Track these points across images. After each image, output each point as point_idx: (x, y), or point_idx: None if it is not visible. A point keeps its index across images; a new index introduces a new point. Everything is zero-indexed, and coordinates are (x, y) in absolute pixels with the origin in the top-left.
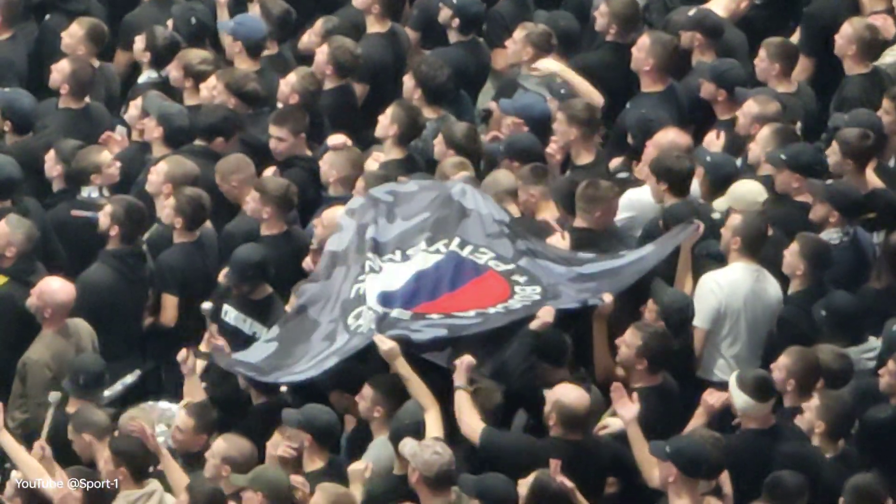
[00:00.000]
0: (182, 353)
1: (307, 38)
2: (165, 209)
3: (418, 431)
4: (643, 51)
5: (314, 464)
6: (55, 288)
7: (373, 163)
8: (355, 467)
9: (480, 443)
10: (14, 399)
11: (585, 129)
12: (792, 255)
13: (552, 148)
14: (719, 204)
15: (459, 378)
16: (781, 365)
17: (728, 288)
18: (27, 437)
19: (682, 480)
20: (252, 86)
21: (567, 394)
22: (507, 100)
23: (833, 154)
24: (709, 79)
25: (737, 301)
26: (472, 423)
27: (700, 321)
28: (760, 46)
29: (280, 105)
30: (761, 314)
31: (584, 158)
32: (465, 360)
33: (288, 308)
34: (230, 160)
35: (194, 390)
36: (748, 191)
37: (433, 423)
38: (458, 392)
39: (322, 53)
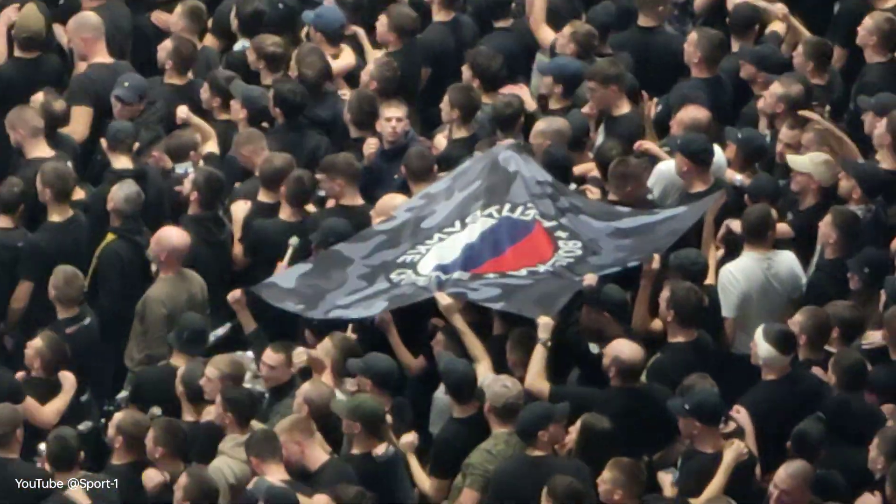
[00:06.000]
0: (236, 292)
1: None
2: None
3: (468, 375)
4: (692, 45)
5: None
6: (170, 234)
7: (441, 140)
8: (406, 440)
9: (550, 398)
10: (134, 338)
11: (619, 84)
12: (826, 226)
13: (589, 107)
14: (796, 162)
15: (543, 333)
16: (796, 321)
17: (742, 276)
18: (145, 372)
19: (705, 431)
20: None
21: (623, 349)
22: (544, 60)
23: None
24: (749, 61)
25: (752, 289)
26: (540, 381)
27: (726, 311)
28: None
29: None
30: (776, 297)
31: (623, 108)
32: (548, 319)
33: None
34: (243, 133)
35: (247, 322)
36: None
37: (484, 374)
38: (538, 346)
39: (382, 24)
